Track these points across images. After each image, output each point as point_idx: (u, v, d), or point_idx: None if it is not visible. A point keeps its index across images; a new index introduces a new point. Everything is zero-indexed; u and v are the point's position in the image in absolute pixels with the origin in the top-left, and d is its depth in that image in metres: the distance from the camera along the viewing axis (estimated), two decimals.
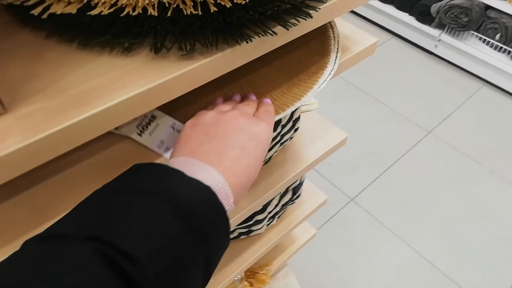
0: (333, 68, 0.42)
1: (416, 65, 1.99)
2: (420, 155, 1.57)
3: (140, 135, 0.38)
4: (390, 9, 2.03)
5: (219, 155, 0.29)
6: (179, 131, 0.37)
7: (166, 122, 0.37)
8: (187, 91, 0.31)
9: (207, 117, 0.32)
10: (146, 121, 0.37)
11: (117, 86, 0.27)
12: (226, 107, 0.35)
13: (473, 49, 1.82)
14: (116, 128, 0.37)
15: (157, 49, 0.29)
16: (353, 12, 2.23)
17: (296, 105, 0.39)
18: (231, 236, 0.63)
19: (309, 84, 0.41)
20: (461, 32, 1.85)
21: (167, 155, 0.38)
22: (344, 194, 1.40)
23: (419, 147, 1.60)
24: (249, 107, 0.36)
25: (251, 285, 0.78)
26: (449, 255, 1.28)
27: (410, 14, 1.99)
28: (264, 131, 0.32)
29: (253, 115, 0.35)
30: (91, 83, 0.27)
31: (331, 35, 0.45)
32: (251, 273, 0.79)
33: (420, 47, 2.05)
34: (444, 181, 1.49)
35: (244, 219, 0.53)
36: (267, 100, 0.38)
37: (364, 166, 1.49)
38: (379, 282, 1.20)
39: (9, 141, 0.23)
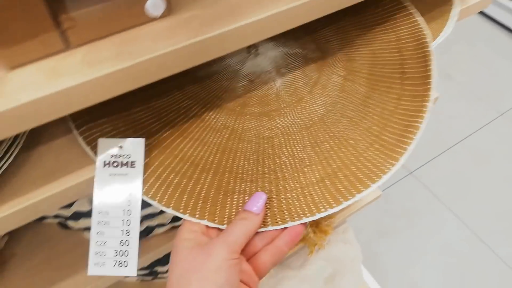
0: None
1: (497, 44, 1.88)
2: (488, 137, 1.51)
3: None
4: None
5: None
6: None
7: None
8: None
9: None
10: None
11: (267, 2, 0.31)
12: None
13: None
14: None
15: None
16: None
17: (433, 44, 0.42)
18: None
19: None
20: None
21: None
22: (403, 167, 1.40)
23: (488, 128, 1.53)
24: None
25: (314, 233, 0.82)
26: (507, 239, 1.25)
27: None
28: None
29: None
30: None
31: None
32: (315, 223, 0.84)
33: (505, 26, 1.91)
34: (511, 164, 1.43)
35: None
36: None
37: (428, 141, 1.46)
38: (429, 257, 1.21)
39: (175, 39, 0.28)
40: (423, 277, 1.17)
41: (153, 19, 0.29)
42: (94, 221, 0.33)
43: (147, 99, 0.40)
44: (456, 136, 1.50)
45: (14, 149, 0.31)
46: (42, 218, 0.47)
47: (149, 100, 0.40)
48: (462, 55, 1.81)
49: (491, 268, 1.19)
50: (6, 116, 0.24)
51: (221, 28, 0.29)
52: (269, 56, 0.46)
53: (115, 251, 0.34)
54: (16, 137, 0.32)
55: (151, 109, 0.40)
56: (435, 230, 1.26)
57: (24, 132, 0.33)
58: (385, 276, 1.16)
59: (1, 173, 0.30)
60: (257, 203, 0.34)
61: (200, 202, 0.35)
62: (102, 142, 0.33)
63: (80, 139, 0.34)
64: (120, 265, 0.34)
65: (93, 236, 0.34)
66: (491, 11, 1.93)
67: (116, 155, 0.33)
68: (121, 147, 0.33)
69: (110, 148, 0.33)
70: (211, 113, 0.41)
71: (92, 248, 0.34)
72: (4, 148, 0.30)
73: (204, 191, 0.35)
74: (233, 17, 0.30)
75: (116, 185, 0.33)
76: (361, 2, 0.37)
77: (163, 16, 0.29)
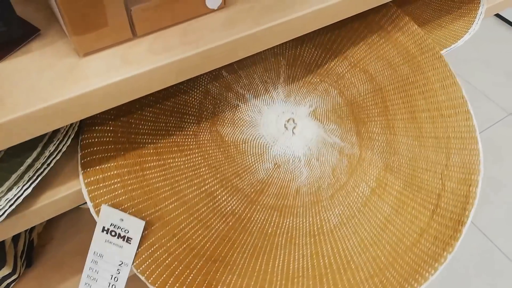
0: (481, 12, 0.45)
1: (509, 45, 1.83)
2: (496, 137, 1.48)
3: None
4: None
5: None
6: None
7: None
8: None
9: None
10: None
11: None
12: None
13: None
14: None
15: None
16: None
17: (453, 46, 0.42)
18: None
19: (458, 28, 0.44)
20: None
21: None
22: None
23: (496, 128, 1.51)
24: None
25: None
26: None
27: None
28: None
29: None
30: None
31: None
32: None
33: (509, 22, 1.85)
34: None
35: None
36: None
37: None
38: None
39: (234, 29, 0.30)
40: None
41: (212, 10, 0.32)
42: (84, 275, 0.37)
43: (162, 161, 0.41)
44: None
45: (71, 132, 0.35)
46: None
47: (165, 161, 0.41)
48: (470, 54, 1.78)
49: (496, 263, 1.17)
50: (80, 100, 0.27)
51: (276, 19, 0.31)
52: (305, 138, 0.45)
53: None
54: (70, 125, 0.35)
55: (166, 172, 0.41)
56: None
57: (77, 122, 0.36)
58: None
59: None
60: None
61: (184, 287, 0.36)
62: (105, 209, 0.35)
63: (84, 191, 0.36)
64: None
65: (82, 283, 0.37)
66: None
67: (116, 225, 0.36)
68: (122, 220, 0.36)
69: (111, 217, 0.36)
70: (224, 192, 0.41)
71: None
72: (64, 130, 0.34)
73: (191, 277, 0.37)
74: (286, 9, 0.32)
75: (109, 251, 0.36)
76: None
77: (220, 7, 0.32)
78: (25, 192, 0.31)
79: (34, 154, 0.32)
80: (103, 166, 0.37)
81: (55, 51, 0.30)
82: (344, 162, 0.44)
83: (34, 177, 0.32)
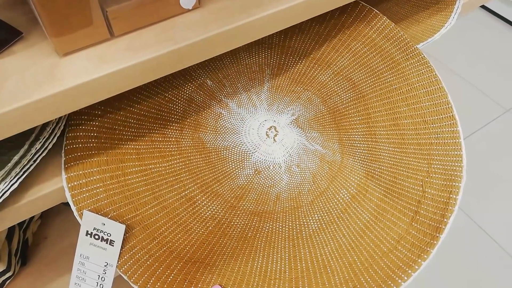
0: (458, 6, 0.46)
1: (500, 39, 1.82)
2: (494, 134, 1.46)
3: None
4: None
5: None
6: None
7: None
8: None
9: None
10: None
11: None
12: None
13: None
14: None
15: None
16: None
17: (430, 39, 0.43)
18: None
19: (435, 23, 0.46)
20: None
21: None
22: None
23: (493, 125, 1.48)
24: None
25: None
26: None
27: None
28: None
29: None
30: None
31: None
32: None
33: (506, 19, 1.86)
34: None
35: None
36: None
37: None
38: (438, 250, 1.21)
39: (208, 27, 0.32)
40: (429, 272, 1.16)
41: (187, 10, 0.34)
42: (73, 276, 0.38)
43: (144, 166, 0.43)
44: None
45: (57, 131, 0.37)
46: None
47: (147, 167, 0.43)
48: (466, 51, 1.77)
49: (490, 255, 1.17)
50: (58, 97, 0.29)
51: (247, 18, 0.33)
52: (286, 146, 0.45)
53: None
54: (58, 120, 0.37)
55: (147, 178, 0.42)
56: None
57: (64, 116, 0.38)
58: None
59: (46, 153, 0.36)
60: None
61: (165, 286, 0.37)
62: (87, 214, 0.37)
63: (68, 195, 0.38)
64: None
65: (71, 283, 0.39)
66: (497, 7, 1.92)
67: (98, 229, 0.37)
68: (104, 224, 0.37)
69: (93, 222, 0.37)
70: (204, 197, 0.42)
71: None
72: (50, 128, 0.36)
73: (171, 277, 0.38)
74: (257, 8, 0.33)
75: (94, 253, 0.37)
76: None
77: (195, 7, 0.34)
78: (12, 187, 0.33)
79: (21, 152, 0.34)
80: (86, 171, 0.39)
81: (37, 52, 0.32)
82: (325, 169, 0.44)
83: (21, 173, 0.34)
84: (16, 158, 0.34)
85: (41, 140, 0.35)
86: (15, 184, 0.34)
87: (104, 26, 0.31)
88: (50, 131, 0.36)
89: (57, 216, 0.54)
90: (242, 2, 0.34)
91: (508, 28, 1.88)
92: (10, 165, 0.34)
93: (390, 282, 0.35)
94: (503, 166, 1.39)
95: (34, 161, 0.35)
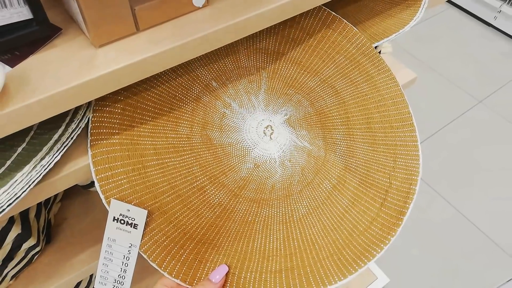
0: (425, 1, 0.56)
1: (473, 36, 2.01)
2: (468, 123, 1.64)
3: None
4: None
5: None
6: None
7: None
8: None
9: None
10: None
11: None
12: None
13: None
14: None
15: None
16: None
17: (392, 36, 0.52)
18: None
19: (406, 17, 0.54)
20: None
21: None
22: None
23: (468, 115, 1.67)
24: None
25: None
26: (493, 218, 1.38)
27: None
28: None
29: None
30: None
31: None
32: None
33: (479, 18, 2.04)
34: (492, 149, 1.57)
35: None
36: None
37: None
38: (421, 238, 1.31)
39: (216, 22, 0.39)
40: (417, 258, 1.29)
41: (197, 8, 0.41)
42: (101, 257, 0.43)
43: (161, 160, 0.48)
44: (436, 124, 1.64)
45: (87, 114, 0.43)
46: (90, 185, 0.58)
47: (163, 161, 0.48)
48: (442, 49, 1.95)
49: (474, 241, 1.31)
50: (97, 81, 0.35)
51: (249, 13, 0.40)
52: (279, 143, 0.53)
53: (114, 280, 0.44)
54: (88, 104, 0.43)
55: (164, 170, 0.48)
56: (426, 212, 1.40)
57: (91, 102, 0.44)
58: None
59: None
60: (217, 275, 0.44)
61: (179, 264, 0.44)
62: (114, 202, 0.42)
63: (97, 186, 0.43)
64: None
65: (100, 263, 0.44)
66: (461, 2, 2.09)
67: (124, 215, 0.43)
68: (128, 210, 0.43)
69: (119, 208, 0.43)
70: (212, 187, 0.49)
71: (98, 273, 0.44)
72: (81, 113, 0.41)
73: (184, 256, 0.44)
74: (256, 6, 0.41)
75: (120, 236, 0.43)
76: None
77: (204, 6, 0.41)
78: (55, 160, 0.38)
79: (60, 131, 0.40)
80: (111, 164, 0.43)
81: (75, 45, 0.37)
82: (312, 163, 0.53)
83: (61, 148, 0.39)
84: (55, 136, 0.39)
85: (75, 121, 0.40)
86: (58, 156, 0.38)
87: (132, 22, 0.37)
88: (82, 114, 0.42)
89: (76, 199, 0.57)
90: (243, 1, 0.41)
91: (485, 27, 2.05)
92: (51, 142, 0.38)
93: (367, 254, 0.45)
94: (479, 154, 1.53)
95: (72, 138, 0.40)
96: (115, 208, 0.43)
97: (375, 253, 0.45)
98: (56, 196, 0.56)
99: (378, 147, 0.52)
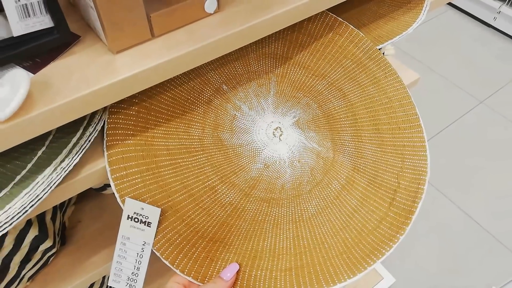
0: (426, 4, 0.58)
1: (473, 37, 2.02)
2: (470, 124, 1.64)
3: None
4: None
5: None
6: None
7: None
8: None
9: None
10: None
11: None
12: None
13: None
14: None
15: None
16: None
17: (396, 38, 0.54)
18: None
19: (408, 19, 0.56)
20: None
21: None
22: None
23: (469, 116, 1.67)
24: None
25: None
26: (496, 217, 1.38)
27: None
28: None
29: None
30: None
31: None
32: None
33: (478, 19, 2.04)
34: (493, 149, 1.57)
35: None
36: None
37: None
38: (421, 237, 1.32)
39: (227, 27, 0.41)
40: (422, 257, 1.30)
41: (209, 14, 0.42)
42: (115, 254, 0.45)
43: (174, 160, 0.49)
44: (438, 125, 1.65)
45: (104, 118, 0.44)
46: (103, 188, 0.60)
47: (176, 161, 0.50)
48: (441, 50, 1.96)
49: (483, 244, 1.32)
50: (116, 86, 0.36)
51: (258, 18, 0.42)
52: (289, 144, 0.54)
53: (128, 277, 0.45)
54: (104, 109, 0.45)
55: (177, 170, 0.49)
56: (430, 212, 1.41)
57: (107, 107, 0.45)
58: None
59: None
60: (228, 272, 0.45)
61: (191, 262, 0.45)
62: (128, 201, 0.44)
63: (112, 185, 0.44)
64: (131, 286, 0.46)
65: (114, 261, 0.45)
66: (461, 3, 2.11)
67: (138, 213, 0.44)
68: (142, 208, 0.44)
69: (134, 207, 0.44)
70: (224, 187, 0.50)
71: (112, 270, 0.45)
72: (98, 117, 0.43)
73: (196, 254, 0.46)
74: (264, 11, 0.43)
75: (134, 234, 0.44)
76: None
77: (215, 12, 0.42)
78: (74, 161, 0.40)
79: (78, 134, 0.42)
80: (126, 164, 0.45)
81: (93, 51, 0.39)
82: (321, 164, 0.54)
83: (80, 150, 0.41)
84: (74, 139, 0.41)
85: (92, 125, 0.42)
86: (77, 159, 0.40)
87: (147, 29, 0.39)
88: (99, 117, 0.43)
89: (89, 202, 0.58)
90: (252, 7, 0.43)
91: (484, 28, 2.06)
92: (70, 145, 0.40)
93: (376, 253, 0.46)
94: (480, 154, 1.54)
95: (89, 141, 0.42)
96: (130, 206, 0.44)
97: (384, 251, 0.46)
98: (70, 199, 0.58)
99: (386, 148, 0.54)
